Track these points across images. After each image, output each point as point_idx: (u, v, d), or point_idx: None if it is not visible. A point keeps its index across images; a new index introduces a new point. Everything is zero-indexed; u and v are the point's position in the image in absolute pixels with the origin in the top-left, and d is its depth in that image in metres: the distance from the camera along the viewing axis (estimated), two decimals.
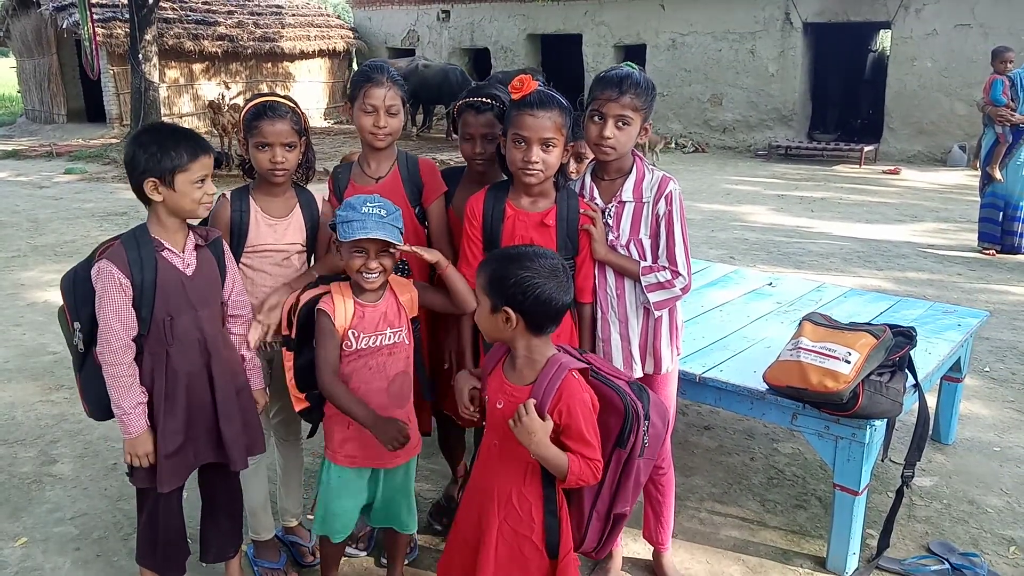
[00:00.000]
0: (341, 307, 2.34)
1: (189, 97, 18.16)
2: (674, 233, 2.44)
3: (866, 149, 13.55)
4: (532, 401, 1.91)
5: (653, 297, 2.46)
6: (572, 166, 2.90)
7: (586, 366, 2.04)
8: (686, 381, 2.97)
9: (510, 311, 1.93)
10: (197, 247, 2.36)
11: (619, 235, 2.50)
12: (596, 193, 2.54)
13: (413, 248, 2.37)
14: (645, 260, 2.48)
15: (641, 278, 2.45)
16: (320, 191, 2.81)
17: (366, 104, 2.61)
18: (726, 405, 3.00)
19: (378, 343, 2.36)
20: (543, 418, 1.90)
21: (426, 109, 17.21)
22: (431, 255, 2.40)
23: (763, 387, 2.81)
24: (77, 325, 2.32)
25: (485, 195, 2.54)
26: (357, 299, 2.36)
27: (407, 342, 2.42)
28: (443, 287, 2.50)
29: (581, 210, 2.47)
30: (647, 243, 2.48)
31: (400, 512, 2.55)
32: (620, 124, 2.38)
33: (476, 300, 2.05)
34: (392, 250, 2.31)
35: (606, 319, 2.55)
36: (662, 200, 2.44)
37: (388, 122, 2.63)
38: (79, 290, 2.30)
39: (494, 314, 1.96)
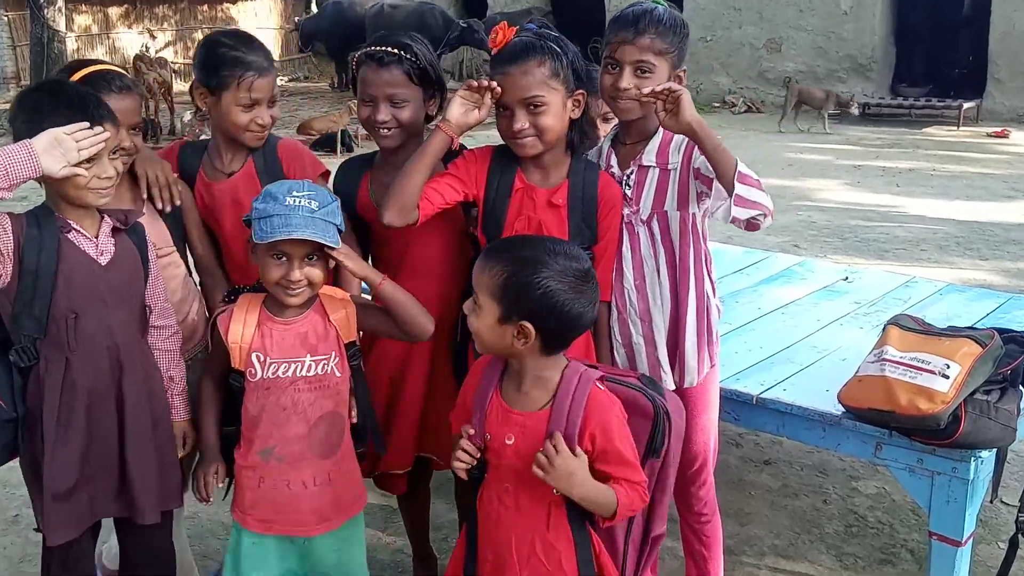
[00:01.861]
0: (240, 319, 2.31)
1: (104, 50, 18.23)
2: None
3: (965, 106, 13.54)
4: (559, 435, 1.93)
5: (742, 190, 2.27)
6: (601, 131, 2.91)
7: (601, 372, 2.10)
8: (740, 403, 2.97)
9: (529, 327, 1.93)
10: (115, 231, 2.34)
11: (639, 209, 2.52)
12: (613, 160, 2.57)
13: (342, 254, 2.27)
14: (671, 240, 2.50)
15: (737, 184, 2.26)
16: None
17: (240, 97, 2.60)
18: (791, 434, 3.00)
19: (291, 373, 2.31)
20: (574, 450, 1.92)
21: None
22: (359, 267, 2.33)
23: (838, 410, 2.80)
24: None
25: (492, 156, 2.54)
26: (267, 311, 2.32)
27: (338, 374, 2.36)
28: None
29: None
30: (674, 218, 2.48)
31: None
32: (639, 72, 2.39)
33: (475, 307, 2.02)
34: (325, 252, 2.25)
35: (624, 319, 2.57)
36: (695, 151, 2.40)
37: (271, 114, 2.64)
38: None
39: (503, 325, 1.96)
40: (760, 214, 2.32)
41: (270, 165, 2.74)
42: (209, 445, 2.48)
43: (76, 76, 2.50)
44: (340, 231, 2.25)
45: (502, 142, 2.51)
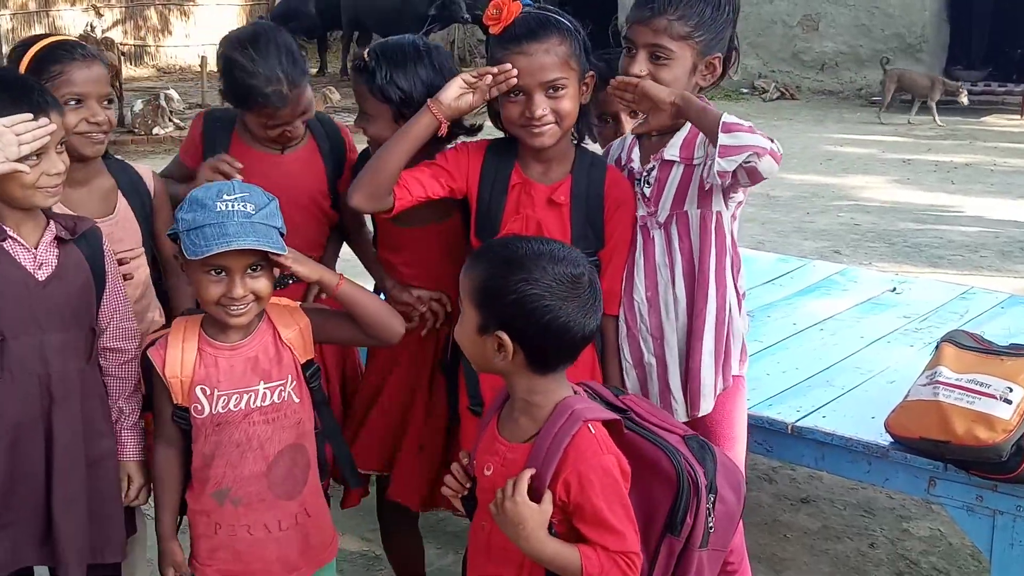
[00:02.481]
0: (176, 348, 2.29)
1: (43, 29, 18.22)
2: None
3: None
4: (526, 475, 1.88)
5: (726, 139, 2.26)
6: (627, 125, 2.93)
7: (616, 416, 2.02)
8: (773, 433, 2.98)
9: (504, 337, 1.91)
10: (58, 241, 2.34)
11: (656, 210, 2.52)
12: (636, 154, 2.58)
13: (288, 258, 2.26)
14: (692, 241, 2.49)
15: (720, 135, 2.26)
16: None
17: (271, 123, 2.66)
18: (832, 467, 3.01)
19: (244, 404, 2.29)
20: (540, 496, 1.88)
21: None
22: (308, 269, 2.32)
23: (886, 440, 2.82)
24: None
25: (485, 151, 2.56)
26: (207, 337, 2.31)
27: (296, 400, 2.35)
28: None
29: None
30: (694, 218, 2.48)
31: None
32: (656, 58, 2.40)
33: (463, 312, 2.01)
34: (269, 261, 2.24)
35: (634, 335, 2.57)
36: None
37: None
38: None
39: (482, 336, 1.95)
40: (750, 155, 2.25)
41: (335, 146, 2.82)
42: (164, 532, 2.43)
43: (32, 50, 2.54)
44: (282, 234, 2.24)
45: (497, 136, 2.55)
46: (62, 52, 2.54)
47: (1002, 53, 16.02)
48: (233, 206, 2.16)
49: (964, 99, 12.93)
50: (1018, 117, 13.30)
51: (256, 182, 2.37)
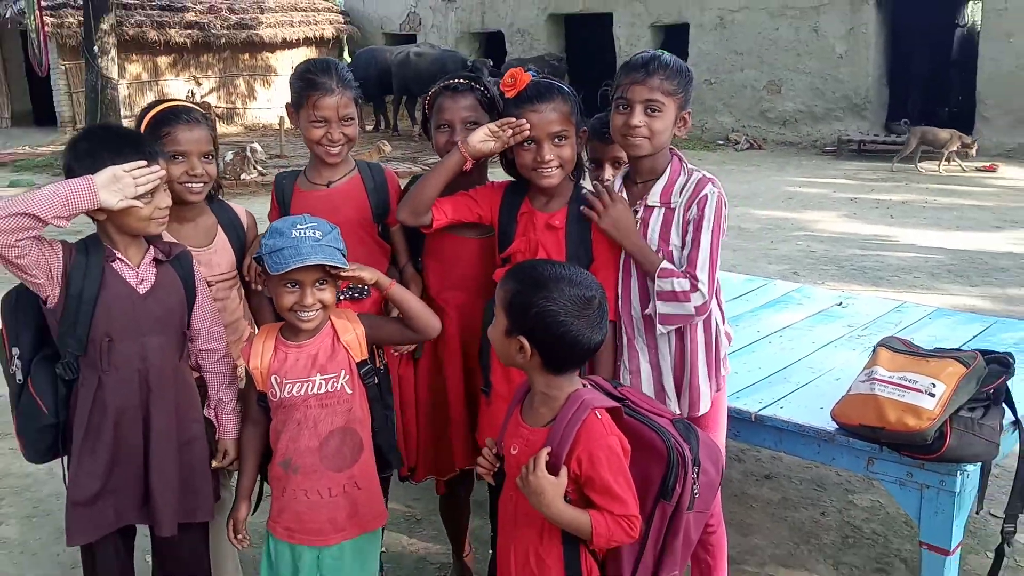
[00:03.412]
0: (259, 347, 2.36)
1: (154, 95, 18.45)
2: (700, 242, 2.42)
3: None
4: (544, 453, 1.92)
5: (662, 307, 2.44)
6: (608, 172, 2.96)
7: (617, 404, 2.03)
8: (739, 421, 2.97)
9: (525, 342, 1.95)
10: (156, 262, 2.38)
11: (647, 243, 2.52)
12: (624, 198, 2.58)
13: (352, 270, 2.33)
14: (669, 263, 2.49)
15: (656, 279, 2.43)
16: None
17: (315, 114, 2.65)
18: (788, 449, 2.99)
19: (305, 392, 2.33)
20: (557, 470, 1.91)
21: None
22: (369, 274, 2.36)
23: (832, 426, 2.81)
24: (16, 351, 2.37)
25: (504, 190, 2.64)
26: (282, 338, 2.36)
27: (348, 391, 2.37)
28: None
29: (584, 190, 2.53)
30: (676, 254, 2.49)
31: None
32: (650, 111, 2.42)
33: (496, 315, 2.04)
34: (333, 275, 2.29)
35: (632, 345, 2.56)
36: (694, 204, 2.45)
37: (343, 132, 2.67)
38: (20, 313, 2.37)
39: (508, 337, 1.99)
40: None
41: (379, 185, 2.82)
42: (239, 492, 2.50)
43: (151, 113, 2.59)
44: (343, 254, 2.30)
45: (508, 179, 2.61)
46: (172, 116, 2.58)
47: (932, 111, 15.97)
48: (305, 232, 2.24)
49: (974, 151, 12.58)
50: (946, 163, 13.21)
51: (308, 213, 2.42)
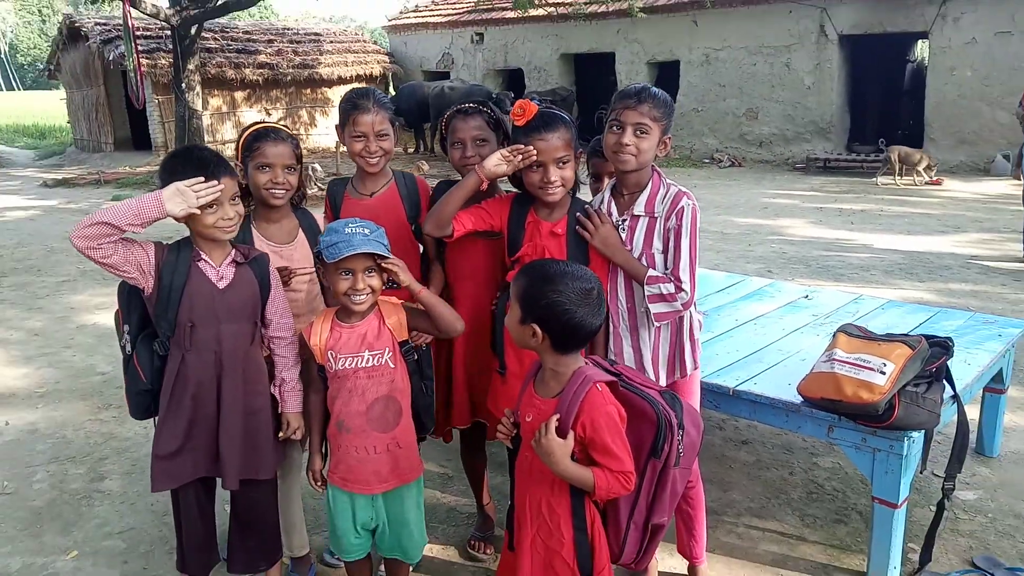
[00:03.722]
0: (318, 327, 2.39)
1: (231, 124, 18.58)
2: (680, 248, 2.43)
3: None
4: (553, 420, 1.93)
5: (654, 308, 2.45)
6: (606, 182, 2.95)
7: (614, 378, 2.05)
8: (720, 395, 2.97)
9: (536, 328, 1.97)
10: (236, 263, 2.43)
11: (631, 248, 2.52)
12: (613, 207, 2.58)
13: (394, 264, 2.33)
14: (658, 270, 2.49)
15: (645, 287, 2.45)
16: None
17: (355, 130, 2.70)
18: (761, 418, 2.98)
19: (355, 365, 2.36)
20: (565, 434, 1.93)
21: None
22: (405, 277, 2.36)
23: (798, 399, 2.80)
24: (126, 328, 2.46)
25: (512, 202, 2.63)
26: (337, 320, 2.39)
27: (391, 365, 2.39)
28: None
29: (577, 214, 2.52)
30: (659, 257, 2.48)
31: (399, 540, 2.50)
32: (638, 132, 2.41)
33: (511, 306, 2.05)
34: (380, 266, 2.32)
35: (617, 332, 2.56)
36: (673, 215, 2.45)
37: (379, 145, 2.71)
38: (131, 298, 2.44)
39: (522, 325, 2.00)
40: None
41: (411, 192, 2.85)
42: (312, 448, 2.54)
43: (246, 132, 2.67)
44: (388, 248, 2.33)
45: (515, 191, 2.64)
46: (262, 134, 2.64)
47: (887, 133, 15.74)
48: (355, 230, 2.28)
49: (934, 169, 12.33)
50: (909, 178, 13.06)
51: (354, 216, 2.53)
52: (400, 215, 2.80)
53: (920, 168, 12.26)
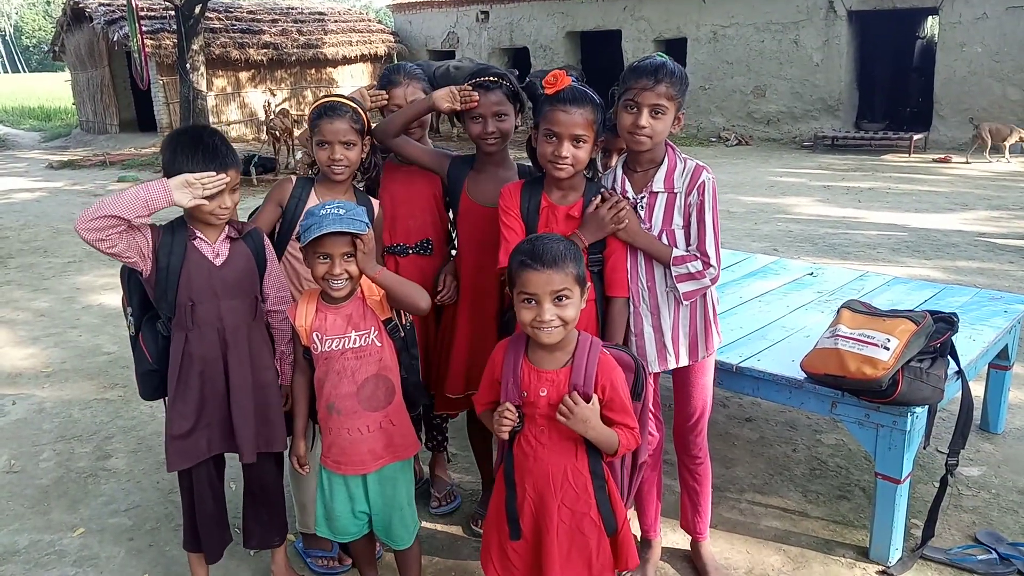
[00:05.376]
0: (303, 308, 2.36)
1: (236, 105, 18.56)
2: (705, 223, 2.40)
3: (915, 137, 13.28)
4: (576, 392, 2.00)
5: (683, 287, 2.43)
6: (615, 160, 2.89)
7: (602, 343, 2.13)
8: (723, 371, 2.96)
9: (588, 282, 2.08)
10: (230, 239, 2.42)
11: (651, 226, 2.47)
12: (628, 185, 2.51)
13: (362, 244, 2.24)
14: (678, 247, 2.45)
15: (672, 267, 2.42)
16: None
17: (391, 104, 2.77)
18: (764, 395, 2.97)
19: (342, 346, 2.33)
20: (589, 400, 1.99)
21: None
22: (363, 259, 2.26)
23: (801, 376, 2.78)
24: (130, 310, 2.48)
25: (521, 188, 2.55)
26: (323, 301, 2.36)
27: (378, 344, 2.36)
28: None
29: (592, 198, 2.45)
30: (679, 233, 2.45)
31: (389, 524, 2.47)
32: (655, 113, 2.34)
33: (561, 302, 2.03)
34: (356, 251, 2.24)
35: (638, 312, 2.52)
36: (695, 190, 2.40)
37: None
38: (131, 282, 2.45)
39: (582, 296, 2.05)
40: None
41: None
42: (296, 432, 2.52)
43: (311, 108, 2.68)
44: (367, 225, 2.25)
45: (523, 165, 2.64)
46: (322, 111, 2.61)
47: (896, 111, 15.67)
48: (330, 210, 2.22)
49: (1009, 141, 11.88)
50: (907, 155, 12.97)
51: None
52: (436, 185, 2.89)
53: (1010, 142, 11.85)
